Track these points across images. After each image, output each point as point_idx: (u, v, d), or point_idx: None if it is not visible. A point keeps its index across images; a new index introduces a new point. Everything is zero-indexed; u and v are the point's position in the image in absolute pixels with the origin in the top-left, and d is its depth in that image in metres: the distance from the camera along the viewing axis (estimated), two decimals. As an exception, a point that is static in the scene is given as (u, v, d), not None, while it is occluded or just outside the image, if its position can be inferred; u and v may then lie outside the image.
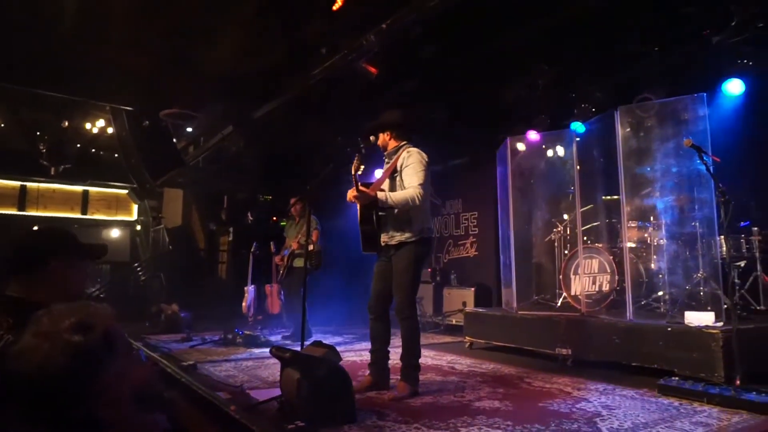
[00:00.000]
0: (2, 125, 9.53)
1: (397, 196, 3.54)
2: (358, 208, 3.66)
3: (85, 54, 6.16)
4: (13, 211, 11.66)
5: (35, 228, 1.89)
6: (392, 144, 3.82)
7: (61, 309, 1.18)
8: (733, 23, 4.56)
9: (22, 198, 11.75)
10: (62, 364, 1.10)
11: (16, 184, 11.67)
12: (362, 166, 3.74)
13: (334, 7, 5.08)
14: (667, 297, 4.69)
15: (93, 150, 11.13)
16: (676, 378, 3.53)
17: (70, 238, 1.80)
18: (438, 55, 5.82)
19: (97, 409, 1.17)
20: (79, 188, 12.33)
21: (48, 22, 5.58)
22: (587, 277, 5.20)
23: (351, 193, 3.69)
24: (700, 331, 3.78)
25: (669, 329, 3.96)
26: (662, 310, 4.68)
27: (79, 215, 12.35)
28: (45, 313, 1.18)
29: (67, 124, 9.00)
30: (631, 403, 3.29)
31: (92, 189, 12.49)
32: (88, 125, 9.51)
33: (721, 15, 4.63)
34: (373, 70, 5.71)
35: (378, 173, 4.73)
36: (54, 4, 5.38)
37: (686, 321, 4.03)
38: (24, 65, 6.16)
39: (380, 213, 3.62)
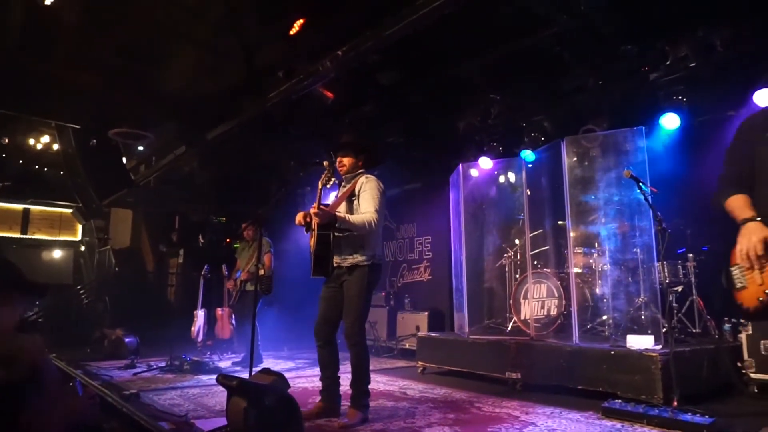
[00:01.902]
0: (-64, 139, 9.06)
1: (355, 218, 3.56)
2: (314, 228, 3.63)
3: (30, 69, 5.96)
4: (-54, 230, 11.00)
5: None
6: (354, 169, 3.84)
7: (-17, 342, 1.13)
8: (667, 62, 4.86)
9: (-45, 216, 11.11)
10: (-18, 401, 1.05)
11: (-50, 201, 11.04)
12: (332, 179, 3.75)
13: (291, 32, 5.14)
14: (610, 321, 4.85)
15: (36, 167, 10.69)
16: (619, 400, 3.64)
17: (15, 272, 1.70)
18: (394, 82, 5.94)
19: (21, 447, 1.11)
20: (19, 206, 11.76)
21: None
22: (536, 302, 5.33)
23: (301, 215, 3.68)
24: (640, 354, 3.92)
25: (612, 352, 4.09)
26: (606, 333, 4.84)
27: (18, 234, 11.75)
28: (-35, 346, 1.12)
29: (7, 141, 8.63)
30: (575, 427, 3.37)
31: (34, 207, 11.93)
32: (31, 141, 9.16)
33: (657, 54, 4.93)
34: (329, 94, 5.78)
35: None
36: (-1, 17, 5.22)
37: (628, 344, 4.17)
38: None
39: (336, 234, 3.61)
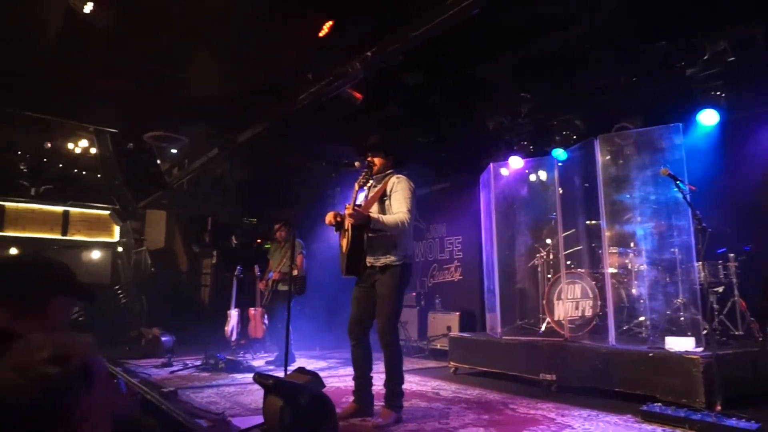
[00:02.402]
0: (-18, 145, 9.42)
1: (388, 219, 3.58)
2: (347, 228, 3.64)
3: (69, 75, 6.15)
4: (-9, 232, 11.44)
5: (35, 257, 1.81)
6: (384, 169, 3.85)
7: (39, 339, 1.17)
8: (705, 57, 4.72)
9: (0, 218, 11.54)
10: (37, 397, 1.09)
11: (-6, 204, 11.46)
12: (371, 181, 3.78)
13: (321, 34, 5.17)
14: (648, 322, 4.74)
15: (75, 170, 11.02)
16: (659, 404, 3.55)
17: (72, 275, 1.76)
18: (422, 82, 5.93)
19: (74, 443, 1.15)
20: (59, 209, 12.15)
21: (32, 43, 5.58)
22: (570, 303, 5.24)
23: (331, 215, 3.71)
24: (680, 356, 3.82)
25: (650, 355, 3.99)
26: (644, 335, 4.72)
27: (59, 236, 12.14)
28: (22, 343, 1.16)
29: (49, 145, 8.93)
30: (614, 430, 3.30)
31: (73, 209, 12.31)
32: (70, 145, 9.46)
33: (693, 49, 4.80)
34: (358, 96, 5.79)
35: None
36: (37, 26, 5.40)
37: (667, 346, 4.07)
38: (7, 86, 6.13)
39: (370, 235, 3.63)
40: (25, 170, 9.61)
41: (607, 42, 4.94)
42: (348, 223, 3.60)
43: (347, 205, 3.63)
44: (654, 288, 4.78)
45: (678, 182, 3.76)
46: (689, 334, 4.22)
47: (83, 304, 10.46)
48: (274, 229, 6.67)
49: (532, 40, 5.06)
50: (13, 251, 10.90)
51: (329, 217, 3.75)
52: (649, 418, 3.45)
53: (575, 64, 5.41)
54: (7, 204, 11.53)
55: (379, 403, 3.71)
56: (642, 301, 4.94)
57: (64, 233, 12.24)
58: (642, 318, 4.87)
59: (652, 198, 4.91)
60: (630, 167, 5.00)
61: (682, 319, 4.58)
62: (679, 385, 3.72)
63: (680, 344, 4.00)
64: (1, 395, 1.09)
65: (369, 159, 3.84)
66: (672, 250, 4.77)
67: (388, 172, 3.86)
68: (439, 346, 6.99)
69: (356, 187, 3.82)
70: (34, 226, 11.93)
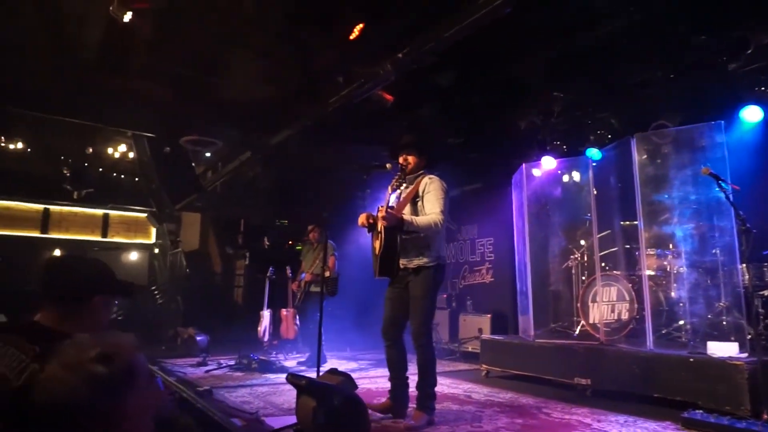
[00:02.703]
0: (28, 150, 9.81)
1: (422, 220, 3.57)
2: (380, 230, 3.65)
3: (109, 82, 6.36)
4: (36, 234, 11.89)
5: (77, 259, 1.88)
6: (417, 169, 3.84)
7: (86, 339, 1.20)
8: (749, 51, 4.55)
9: (45, 221, 11.98)
10: (85, 395, 1.12)
11: (40, 207, 11.92)
12: (404, 185, 3.78)
13: (351, 36, 5.21)
14: (688, 326, 4.59)
15: (114, 174, 11.38)
16: (700, 411, 3.44)
17: (112, 274, 1.82)
18: (454, 82, 5.89)
19: (118, 440, 1.18)
20: (100, 212, 12.55)
21: (73, 53, 5.78)
22: (606, 305, 5.12)
23: (364, 216, 3.72)
24: (723, 362, 3.69)
25: (691, 360, 3.87)
26: (683, 339, 4.59)
27: (99, 238, 12.54)
28: (70, 343, 1.20)
29: (91, 150, 9.23)
30: (653, 437, 3.21)
31: (112, 212, 12.70)
32: (110, 150, 9.76)
33: (736, 43, 4.63)
34: (389, 97, 5.80)
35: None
36: (78, 36, 5.59)
37: (709, 351, 3.94)
38: (50, 93, 6.37)
39: (403, 237, 3.63)
40: (68, 175, 9.96)
41: (644, 37, 4.81)
42: (381, 225, 3.60)
43: (380, 207, 3.64)
44: (694, 291, 4.63)
45: (720, 182, 3.64)
46: (733, 339, 4.07)
47: (123, 301, 10.80)
48: (307, 231, 6.73)
49: (566, 36, 4.98)
50: (57, 253, 11.32)
51: (362, 219, 3.76)
52: (691, 425, 3.34)
53: (610, 61, 5.29)
54: (52, 207, 11.99)
55: (411, 405, 3.70)
56: (681, 304, 4.79)
57: (104, 235, 12.65)
58: (681, 322, 4.72)
59: (692, 198, 4.76)
60: (668, 166, 4.86)
61: (724, 323, 4.43)
62: (723, 391, 3.59)
63: (723, 349, 3.87)
64: (52, 392, 1.13)
65: (403, 158, 3.83)
66: (714, 251, 4.61)
67: (420, 172, 3.85)
68: (470, 349, 6.93)
69: (389, 190, 3.83)
70: (76, 229, 12.36)
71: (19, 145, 9.74)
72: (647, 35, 4.82)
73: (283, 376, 5.20)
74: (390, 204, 3.74)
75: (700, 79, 5.17)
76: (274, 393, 4.65)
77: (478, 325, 7.01)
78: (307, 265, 6.63)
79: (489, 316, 6.98)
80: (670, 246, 5.03)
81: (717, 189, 3.71)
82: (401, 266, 3.67)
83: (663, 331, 4.74)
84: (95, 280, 1.73)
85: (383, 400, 3.79)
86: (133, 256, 12.64)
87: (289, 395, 4.34)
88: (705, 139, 4.47)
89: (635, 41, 4.95)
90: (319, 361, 3.83)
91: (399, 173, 3.81)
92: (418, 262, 3.63)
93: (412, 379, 3.74)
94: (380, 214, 3.58)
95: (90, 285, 1.70)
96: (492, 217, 7.75)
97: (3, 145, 9.64)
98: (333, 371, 3.37)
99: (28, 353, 1.44)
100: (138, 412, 1.23)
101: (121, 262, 11.87)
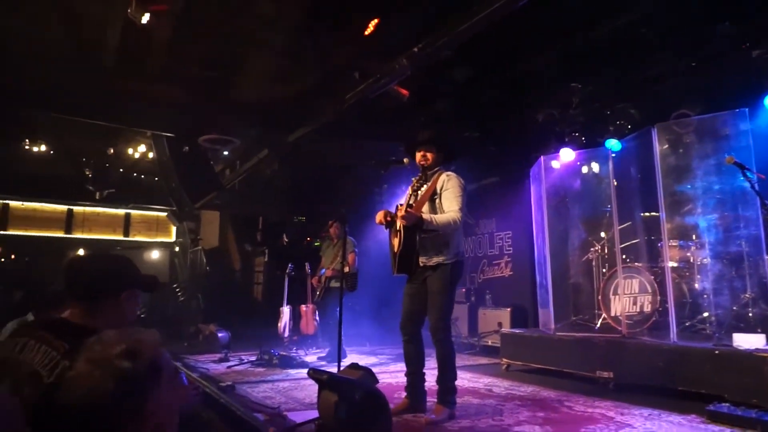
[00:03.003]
0: (51, 153, 10.02)
1: (440, 218, 3.56)
2: (399, 228, 3.64)
3: (128, 84, 6.46)
4: (61, 234, 12.17)
5: (103, 256, 1.93)
6: (434, 165, 3.83)
7: (111, 336, 1.23)
8: (774, 36, 4.44)
9: (68, 221, 12.26)
10: (111, 390, 1.14)
11: (64, 208, 12.20)
12: (425, 185, 3.78)
13: (366, 32, 5.20)
14: (713, 318, 4.51)
15: (134, 174, 11.58)
16: (727, 404, 3.38)
17: (136, 269, 1.85)
18: (470, 76, 5.86)
19: (143, 436, 1.20)
20: (121, 211, 12.80)
21: (93, 56, 5.88)
22: (627, 298, 5.06)
23: (382, 214, 3.72)
24: (750, 354, 3.62)
25: (716, 352, 3.81)
26: (708, 332, 4.51)
27: (121, 237, 12.80)
28: (96, 339, 1.22)
29: (112, 151, 9.38)
30: (678, 430, 3.17)
31: (134, 212, 12.94)
32: (130, 151, 9.92)
33: (759, 30, 4.51)
34: (404, 92, 5.79)
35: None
36: (98, 40, 5.69)
37: (735, 343, 3.87)
38: (71, 96, 6.49)
39: (422, 235, 3.63)
40: (90, 176, 10.16)
41: (665, 25, 4.72)
42: (400, 224, 3.59)
43: (399, 206, 3.64)
44: (719, 282, 4.54)
45: (745, 171, 3.57)
46: (759, 330, 3.99)
47: (145, 298, 10.97)
48: (327, 226, 6.76)
49: (585, 27, 4.91)
50: (81, 252, 11.56)
51: (380, 217, 3.76)
52: (717, 418, 3.29)
53: (630, 51, 5.21)
54: (75, 208, 12.25)
55: (431, 400, 3.70)
56: (705, 296, 4.71)
57: (126, 234, 12.89)
58: (706, 314, 4.64)
59: (715, 188, 4.66)
60: (691, 156, 4.77)
61: (750, 314, 4.34)
62: (750, 384, 3.52)
63: (749, 341, 3.79)
64: (79, 388, 1.15)
65: (422, 155, 3.80)
66: (738, 242, 4.51)
67: (437, 169, 3.83)
68: (490, 343, 6.90)
69: (409, 190, 3.83)
70: (99, 228, 12.61)
71: (43, 148, 9.95)
72: (668, 24, 4.72)
73: (303, 372, 5.26)
74: (409, 203, 3.74)
75: (723, 66, 5.06)
76: (295, 388, 4.70)
77: (497, 319, 6.98)
78: (327, 260, 6.66)
79: (509, 309, 6.94)
80: (694, 237, 4.94)
81: (742, 178, 3.64)
82: (421, 264, 3.66)
83: (686, 324, 4.66)
84: (120, 276, 1.76)
85: (400, 400, 3.79)
86: (155, 254, 12.84)
87: (310, 390, 4.38)
88: (729, 127, 4.38)
89: (655, 30, 4.86)
90: (339, 356, 3.85)
91: (420, 173, 3.80)
92: (437, 259, 3.63)
93: (430, 374, 3.74)
94: (399, 213, 3.57)
95: (115, 281, 1.73)
96: (510, 210, 7.70)
97: (27, 148, 9.86)
98: (354, 366, 3.39)
99: (58, 350, 1.48)
100: (164, 407, 1.25)
101: (142, 260, 12.07)
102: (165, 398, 1.25)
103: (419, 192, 3.81)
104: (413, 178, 3.92)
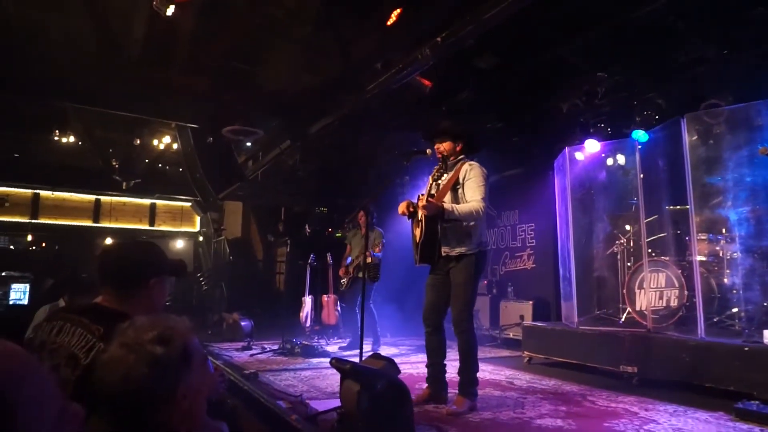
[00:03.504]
0: (79, 143, 10.23)
1: (462, 208, 3.54)
2: (421, 219, 3.64)
3: (152, 77, 6.54)
4: (89, 223, 12.46)
5: (134, 243, 1.98)
6: (455, 155, 3.81)
7: (144, 321, 1.26)
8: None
9: (96, 211, 12.54)
10: (144, 375, 1.17)
11: (91, 197, 12.47)
12: (444, 175, 3.77)
13: (389, 22, 5.17)
14: (742, 314, 4.41)
15: (159, 165, 11.76)
16: (756, 402, 3.31)
17: (162, 255, 1.88)
18: (492, 65, 5.79)
19: (174, 419, 1.23)
20: (147, 201, 13.03)
21: (119, 50, 5.97)
22: (653, 292, 4.97)
23: (404, 205, 3.71)
24: (781, 351, 3.54)
25: (746, 349, 3.73)
26: (737, 328, 4.41)
27: (147, 226, 13.03)
28: (130, 325, 1.25)
29: (138, 141, 9.54)
30: (704, 427, 3.12)
31: (159, 202, 13.17)
32: (155, 142, 10.07)
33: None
34: (427, 83, 5.75)
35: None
36: (123, 33, 5.77)
37: (765, 340, 3.78)
38: (97, 90, 6.60)
39: (444, 225, 3.62)
40: (116, 166, 10.35)
41: (695, 12, 4.59)
42: (421, 214, 3.59)
43: (420, 196, 3.63)
44: (749, 277, 4.43)
45: (779, 162, 3.46)
46: (791, 327, 3.89)
47: (172, 285, 11.17)
48: (355, 215, 6.67)
49: (612, 14, 4.80)
50: (108, 241, 11.82)
51: (402, 207, 3.76)
52: (745, 416, 3.22)
53: (659, 39, 5.08)
54: (102, 198, 12.52)
55: (452, 391, 3.71)
56: (735, 291, 4.60)
57: (152, 224, 13.13)
58: (735, 309, 4.55)
59: (747, 180, 4.54)
60: (722, 147, 4.65)
61: (782, 311, 4.23)
62: (780, 382, 3.45)
63: (781, 338, 3.70)
64: (113, 371, 1.19)
65: (437, 146, 3.80)
66: (771, 236, 4.40)
67: (460, 158, 3.80)
68: (511, 335, 6.87)
69: (430, 180, 3.82)
70: (125, 218, 12.87)
71: (71, 139, 10.17)
72: (698, 10, 4.59)
73: (325, 361, 5.31)
74: (431, 192, 3.72)
75: (756, 55, 4.91)
76: (317, 377, 4.74)
77: (519, 312, 6.94)
78: (356, 250, 6.64)
79: (531, 302, 6.89)
80: (723, 230, 4.83)
81: (775, 170, 3.53)
82: (444, 254, 3.65)
83: (715, 319, 4.57)
84: (149, 263, 1.80)
85: (420, 390, 3.80)
86: (179, 243, 13.08)
87: (332, 379, 4.42)
88: (762, 117, 4.25)
89: (685, 17, 4.73)
90: (362, 346, 3.87)
91: (440, 163, 3.79)
92: (459, 249, 3.61)
93: (451, 366, 3.74)
94: (420, 203, 3.57)
95: (144, 268, 1.76)
96: (533, 202, 7.62)
97: (57, 139, 10.08)
98: (376, 356, 3.41)
99: (94, 333, 1.52)
100: (194, 391, 1.27)
101: (167, 249, 12.22)
102: (195, 383, 1.28)
103: (440, 182, 3.79)
104: (435, 167, 3.90)
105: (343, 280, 6.70)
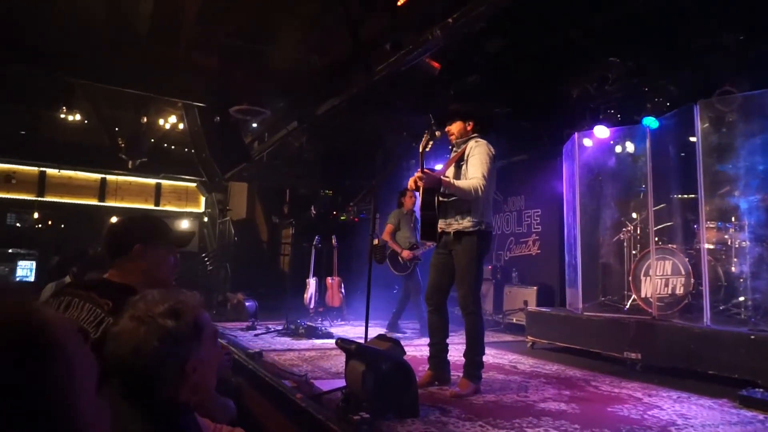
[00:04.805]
0: (86, 122, 10.22)
1: (462, 183, 3.51)
2: (420, 193, 3.64)
3: (160, 54, 6.50)
4: (94, 202, 12.51)
5: (128, 217, 2.00)
6: (465, 134, 3.77)
7: (155, 295, 1.25)
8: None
9: (102, 189, 12.58)
10: (155, 348, 1.17)
11: (98, 176, 12.51)
12: (431, 143, 3.73)
13: (399, 2, 5.10)
14: (749, 303, 4.40)
15: (165, 145, 11.76)
16: (761, 390, 3.30)
17: (155, 224, 1.88)
18: (502, 49, 5.71)
19: (183, 392, 1.23)
20: (152, 181, 13.06)
21: (127, 25, 5.92)
22: (659, 279, 4.96)
23: (413, 179, 3.67)
24: (787, 340, 3.53)
25: (752, 337, 3.72)
26: (743, 316, 4.40)
27: (152, 206, 13.08)
28: (140, 298, 1.25)
29: (145, 120, 9.52)
30: (708, 413, 3.12)
31: (164, 182, 13.19)
32: (161, 121, 10.05)
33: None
34: (436, 65, 5.69)
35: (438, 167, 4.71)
36: (132, 8, 5.71)
37: (771, 329, 3.77)
38: (105, 65, 6.56)
39: (441, 199, 3.60)
40: (122, 145, 10.35)
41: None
42: (420, 185, 3.55)
43: (418, 169, 3.60)
44: (758, 266, 4.41)
45: (793, 150, 3.41)
46: (798, 316, 3.88)
47: (182, 248, 11.20)
48: (402, 196, 6.36)
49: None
50: (114, 220, 11.87)
51: (411, 182, 3.73)
52: (749, 403, 3.22)
53: (673, 24, 4.99)
54: (108, 177, 12.55)
55: (456, 373, 3.72)
56: (742, 279, 4.58)
57: (157, 204, 13.17)
58: (742, 298, 4.53)
59: (759, 168, 4.49)
60: (735, 135, 4.59)
61: (789, 300, 4.22)
62: (785, 370, 3.44)
63: (787, 327, 3.69)
64: (124, 344, 1.18)
65: (447, 128, 3.78)
66: (781, 225, 4.37)
67: (471, 136, 3.76)
68: (515, 321, 6.88)
69: (420, 149, 3.74)
70: (131, 197, 12.91)
71: (78, 117, 10.16)
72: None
73: (329, 342, 5.34)
74: (432, 167, 3.70)
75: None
76: (321, 357, 4.77)
77: (523, 297, 6.94)
78: (406, 230, 6.23)
79: (535, 288, 6.89)
80: (733, 219, 4.79)
81: (789, 158, 3.48)
82: (440, 229, 3.63)
83: (721, 308, 4.56)
84: (134, 230, 1.81)
85: (424, 371, 3.80)
86: (184, 224, 13.12)
87: (336, 360, 4.44)
88: (776, 105, 4.19)
89: (700, 1, 4.64)
90: (367, 327, 3.88)
91: (425, 135, 3.71)
92: (457, 226, 3.56)
93: (455, 349, 3.75)
94: (417, 175, 3.53)
95: (129, 235, 1.78)
96: (540, 188, 7.58)
97: (63, 117, 10.07)
98: (381, 337, 3.42)
99: (103, 307, 1.52)
100: (204, 365, 1.28)
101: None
102: (205, 357, 1.28)
103: (450, 159, 3.78)
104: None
105: (409, 262, 6.20)
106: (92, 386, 0.78)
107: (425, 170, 3.54)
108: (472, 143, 3.66)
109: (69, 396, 0.72)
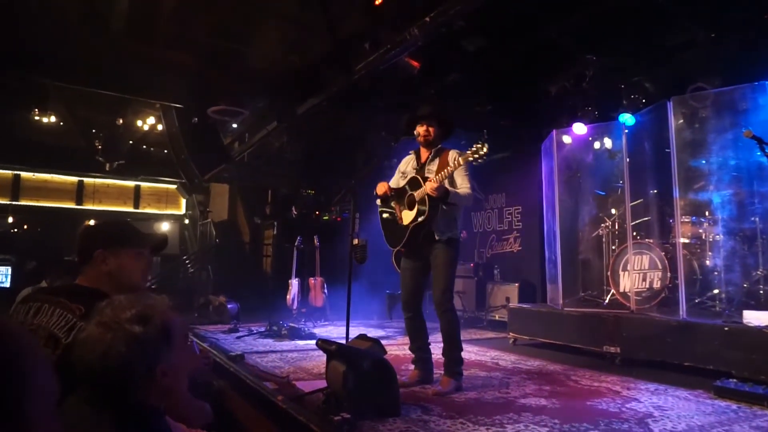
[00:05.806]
0: (61, 123, 10.03)
1: (462, 192, 3.60)
2: (425, 200, 3.59)
3: (135, 53, 6.39)
4: (71, 205, 12.28)
5: (98, 223, 1.97)
6: (437, 140, 3.80)
7: (122, 300, 1.24)
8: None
9: (79, 192, 12.36)
10: (122, 353, 1.16)
11: (74, 179, 12.28)
12: (436, 160, 3.77)
13: (377, 2, 5.09)
14: (723, 295, 4.49)
15: (144, 146, 11.60)
16: (734, 380, 3.38)
17: (120, 229, 1.84)
18: (481, 47, 5.74)
19: (153, 396, 1.22)
20: (131, 183, 12.86)
21: (101, 24, 5.81)
22: (637, 274, 5.03)
23: (432, 186, 3.60)
24: (760, 331, 3.60)
25: (726, 329, 3.79)
26: (718, 308, 4.49)
27: (131, 209, 12.88)
28: (107, 304, 1.23)
29: (121, 121, 9.37)
30: (684, 405, 3.18)
31: (144, 184, 13.00)
32: (139, 122, 9.90)
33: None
34: (415, 64, 5.70)
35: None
36: (106, 6, 5.61)
37: (745, 320, 3.85)
38: (80, 65, 6.44)
39: (444, 207, 3.63)
40: (99, 147, 10.19)
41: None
42: (433, 193, 3.49)
43: (430, 179, 3.57)
44: (730, 259, 4.50)
45: (763, 145, 3.49)
46: (770, 307, 3.97)
47: (156, 253, 11.06)
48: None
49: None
50: (92, 223, 11.67)
51: (383, 188, 3.77)
52: (724, 394, 3.29)
53: (647, 22, 5.07)
54: (86, 179, 12.33)
55: (438, 371, 3.74)
56: (716, 272, 4.67)
57: (136, 206, 12.98)
58: (716, 291, 4.62)
59: (731, 163, 4.58)
60: (707, 131, 4.68)
61: (762, 292, 4.31)
62: (758, 361, 3.52)
63: (760, 318, 3.77)
64: (91, 350, 1.17)
65: (424, 129, 3.75)
66: (753, 218, 4.46)
67: (440, 145, 3.81)
68: (497, 318, 6.93)
69: (405, 167, 3.85)
70: (109, 200, 12.70)
71: (53, 119, 9.96)
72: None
73: (311, 343, 5.31)
74: (425, 176, 3.71)
75: (744, 38, 4.92)
76: (303, 359, 4.75)
77: (505, 294, 6.99)
78: None
79: (517, 285, 6.95)
80: (707, 213, 4.88)
81: (759, 153, 3.56)
82: (436, 239, 3.63)
83: (696, 300, 4.64)
84: (95, 235, 1.78)
85: (407, 372, 3.82)
86: (165, 226, 12.95)
87: (318, 360, 4.42)
88: (747, 101, 4.28)
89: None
90: (348, 328, 3.87)
91: (422, 147, 3.78)
92: (449, 234, 3.66)
93: (436, 347, 3.77)
94: (430, 185, 3.49)
95: (90, 240, 1.76)
96: (520, 185, 7.65)
97: (37, 118, 9.87)
98: (362, 337, 3.41)
99: (74, 312, 1.49)
100: (174, 370, 1.26)
101: (152, 232, 12.17)
102: (175, 361, 1.26)
103: (431, 167, 3.75)
104: (411, 151, 3.92)
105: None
106: (50, 399, 0.77)
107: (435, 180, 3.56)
108: (452, 154, 3.66)
109: (24, 405, 0.70)
